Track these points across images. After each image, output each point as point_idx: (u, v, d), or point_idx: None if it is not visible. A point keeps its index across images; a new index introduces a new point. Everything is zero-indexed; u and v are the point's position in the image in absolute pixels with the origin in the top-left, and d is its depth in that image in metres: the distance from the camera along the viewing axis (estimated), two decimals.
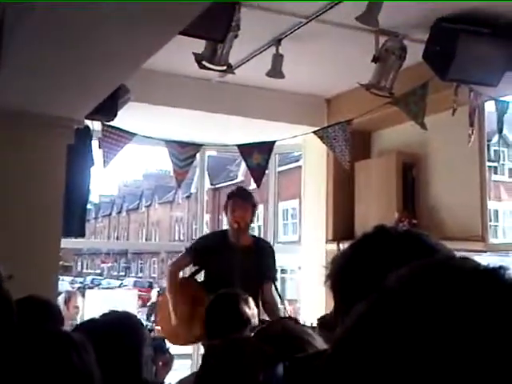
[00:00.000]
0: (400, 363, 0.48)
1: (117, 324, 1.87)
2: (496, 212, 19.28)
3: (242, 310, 2.23)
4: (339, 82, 4.55)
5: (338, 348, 0.54)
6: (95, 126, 4.18)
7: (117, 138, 4.13)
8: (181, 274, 4.33)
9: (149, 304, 16.24)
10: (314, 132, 4.31)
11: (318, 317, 2.30)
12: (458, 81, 3.42)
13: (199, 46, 3.30)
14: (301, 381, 0.86)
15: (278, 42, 3.64)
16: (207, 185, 7.07)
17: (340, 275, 0.98)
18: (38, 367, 1.05)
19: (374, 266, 0.92)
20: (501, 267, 0.52)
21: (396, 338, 0.49)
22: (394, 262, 0.87)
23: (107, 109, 3.64)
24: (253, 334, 1.55)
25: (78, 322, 4.94)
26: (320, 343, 1.34)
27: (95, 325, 1.88)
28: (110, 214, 43.87)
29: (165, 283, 4.45)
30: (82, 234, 4.35)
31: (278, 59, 3.66)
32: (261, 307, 3.79)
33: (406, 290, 0.52)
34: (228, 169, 26.82)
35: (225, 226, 4.34)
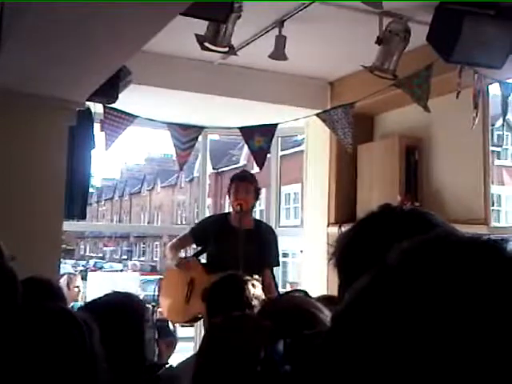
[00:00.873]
0: (398, 337, 0.48)
1: (119, 304, 1.87)
2: (499, 196, 19.27)
3: (247, 292, 2.23)
4: (343, 65, 4.52)
5: (337, 323, 0.54)
6: (97, 108, 4.17)
7: (118, 120, 4.12)
8: (182, 255, 4.36)
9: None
10: (317, 114, 4.29)
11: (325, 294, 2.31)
12: (462, 63, 3.39)
13: (201, 27, 3.27)
14: (302, 358, 0.86)
15: (281, 23, 3.61)
16: (209, 169, 7.05)
17: (344, 252, 0.98)
18: (40, 344, 1.05)
19: (378, 243, 0.92)
20: (502, 240, 0.51)
21: (394, 312, 0.49)
22: (398, 240, 0.87)
23: (109, 91, 3.62)
24: (260, 307, 1.55)
25: (80, 303, 4.99)
26: (329, 317, 1.34)
27: (98, 305, 1.89)
28: (113, 198, 43.93)
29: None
30: (83, 217, 4.36)
31: (280, 41, 3.63)
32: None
33: (405, 263, 0.52)
34: (230, 153, 26.80)
35: (227, 210, 4.35)
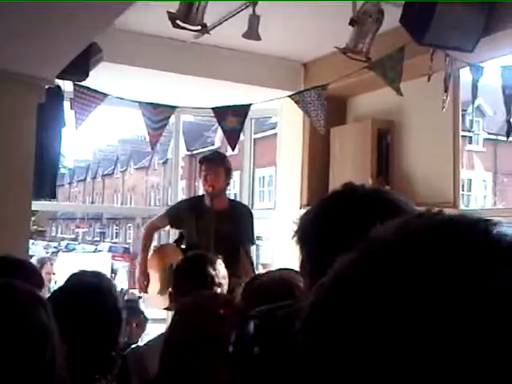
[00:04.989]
0: (392, 315, 0.46)
1: (91, 284, 1.86)
2: (469, 181, 19.56)
3: (207, 270, 2.24)
4: (316, 46, 4.51)
5: (326, 297, 0.52)
6: (67, 86, 4.09)
7: (89, 98, 4.05)
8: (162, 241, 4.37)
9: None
10: (290, 96, 4.28)
11: None
12: (434, 46, 3.40)
13: (174, 5, 3.22)
14: (272, 339, 0.86)
15: (254, 3, 3.57)
16: (183, 151, 7.01)
17: (306, 230, 0.98)
18: (4, 323, 1.03)
19: (338, 221, 0.93)
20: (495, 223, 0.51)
21: (391, 292, 0.47)
22: (358, 218, 0.88)
23: (79, 68, 3.56)
24: (245, 282, 1.56)
25: (52, 288, 4.93)
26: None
27: (69, 287, 1.87)
28: (85, 180, 43.44)
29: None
30: (53, 197, 4.30)
31: (254, 21, 3.59)
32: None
33: (404, 241, 0.50)
34: (205, 135, 26.65)
35: (201, 192, 4.35)
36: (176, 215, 4.19)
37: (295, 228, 1.00)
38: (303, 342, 0.52)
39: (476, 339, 0.44)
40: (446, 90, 3.65)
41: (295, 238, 0.99)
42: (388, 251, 0.50)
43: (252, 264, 4.09)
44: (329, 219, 0.96)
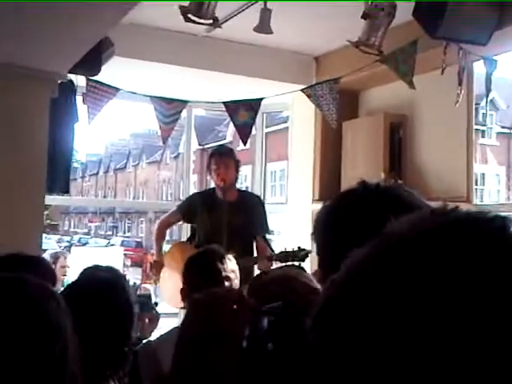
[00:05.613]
0: (410, 311, 0.45)
1: (104, 280, 1.86)
2: (483, 175, 19.42)
3: (216, 266, 2.24)
4: (328, 40, 4.48)
5: (339, 294, 0.51)
6: (79, 81, 4.11)
7: (101, 93, 4.06)
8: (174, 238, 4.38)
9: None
10: (302, 90, 4.26)
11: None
12: (447, 39, 3.37)
13: None
14: (286, 335, 0.86)
15: None
16: (195, 145, 7.02)
17: (321, 224, 0.99)
18: (14, 318, 1.04)
19: (353, 217, 0.93)
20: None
21: (404, 290, 0.46)
22: (372, 214, 0.87)
23: (91, 63, 3.57)
24: (256, 275, 1.56)
25: (67, 282, 4.94)
26: (318, 287, 1.35)
27: (83, 281, 1.88)
28: (97, 174, 43.65)
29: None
30: (66, 191, 4.33)
31: (266, 14, 3.58)
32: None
33: (419, 238, 0.49)
34: (216, 129, 26.68)
35: (212, 184, 4.35)
36: (188, 209, 4.20)
37: (313, 226, 1.01)
38: (314, 339, 0.51)
39: (493, 337, 0.43)
40: (459, 84, 3.62)
41: (311, 233, 1.00)
42: (402, 247, 0.50)
43: (272, 251, 4.07)
44: (343, 215, 0.97)
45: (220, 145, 4.63)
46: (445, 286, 0.45)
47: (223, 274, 2.23)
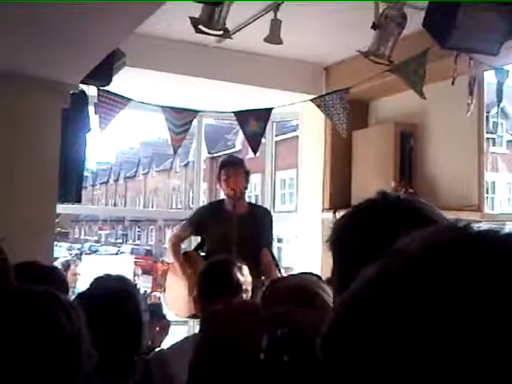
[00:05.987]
0: (418, 331, 0.45)
1: (115, 289, 1.87)
2: (493, 184, 19.31)
3: (234, 276, 2.23)
4: (338, 50, 4.49)
5: (346, 313, 0.51)
6: (91, 91, 4.14)
7: (112, 103, 4.09)
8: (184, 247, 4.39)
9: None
10: (312, 100, 4.27)
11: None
12: (457, 49, 3.37)
13: (196, 9, 3.24)
14: (301, 347, 0.86)
15: (276, 6, 3.58)
16: (205, 153, 7.03)
17: (340, 237, 0.98)
18: (23, 327, 1.04)
19: (373, 230, 0.92)
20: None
21: (415, 304, 0.46)
22: (392, 228, 0.87)
23: (102, 73, 3.60)
24: (267, 285, 1.55)
25: (78, 290, 4.96)
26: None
27: (95, 292, 1.89)
28: (108, 182, 43.80)
29: (163, 251, 4.53)
30: (78, 200, 4.35)
31: (276, 24, 3.60)
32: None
33: (430, 254, 0.49)
34: (226, 138, 26.71)
35: (222, 194, 4.36)
36: (198, 222, 4.21)
37: (328, 234, 1.00)
38: (323, 357, 0.51)
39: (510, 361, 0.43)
40: (470, 94, 3.62)
41: (328, 244, 0.99)
42: (412, 264, 0.49)
43: (277, 265, 4.09)
44: (359, 227, 0.96)
45: (230, 155, 4.62)
46: (454, 304, 0.45)
47: (243, 286, 2.23)
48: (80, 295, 1.98)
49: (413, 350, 0.45)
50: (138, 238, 38.22)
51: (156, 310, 2.75)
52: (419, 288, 0.47)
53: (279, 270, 4.07)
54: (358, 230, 0.95)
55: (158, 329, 2.68)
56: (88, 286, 1.96)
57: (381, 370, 0.46)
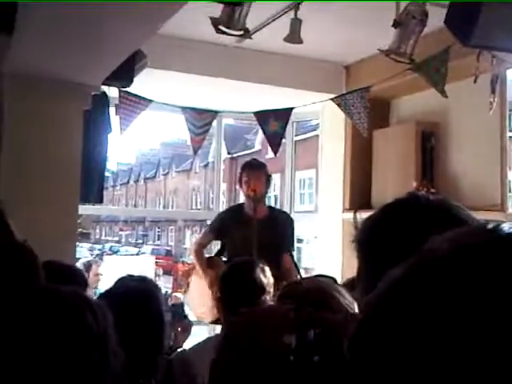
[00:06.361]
0: (449, 329, 0.44)
1: (138, 290, 1.88)
2: None
3: (256, 277, 2.22)
4: (358, 49, 4.47)
5: (373, 313, 0.50)
6: (112, 92, 4.17)
7: (133, 104, 4.12)
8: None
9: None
10: (332, 99, 4.26)
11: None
12: (480, 47, 3.33)
13: (216, 10, 3.24)
14: (331, 348, 0.85)
15: (296, 6, 3.57)
16: (224, 154, 7.06)
17: (368, 237, 0.97)
18: (51, 326, 1.05)
19: (403, 231, 0.91)
20: None
21: (448, 306, 0.45)
22: (423, 230, 0.86)
23: (124, 75, 3.62)
24: (282, 289, 1.55)
25: (100, 290, 4.98)
26: (350, 302, 1.34)
27: (117, 291, 1.90)
28: (128, 183, 44.15)
29: (183, 251, 4.56)
30: (100, 201, 4.38)
31: (296, 24, 3.59)
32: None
33: (459, 254, 0.48)
34: (245, 138, 26.76)
35: (241, 196, 4.36)
36: (219, 228, 4.22)
37: (355, 234, 0.99)
38: (351, 360, 0.51)
39: None
40: (493, 92, 3.57)
41: (354, 244, 0.98)
42: (440, 264, 0.48)
43: (298, 270, 4.09)
44: (388, 227, 0.95)
45: (253, 158, 4.61)
46: (486, 305, 0.44)
47: (263, 285, 2.22)
48: (103, 295, 2.00)
49: (440, 352, 0.44)
50: (158, 239, 38.46)
51: (178, 311, 2.76)
52: (449, 288, 0.46)
53: (300, 275, 4.05)
54: (390, 231, 0.94)
55: (179, 329, 2.69)
56: (111, 286, 1.98)
57: (406, 371, 0.45)
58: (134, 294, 1.83)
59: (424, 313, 0.46)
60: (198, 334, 4.34)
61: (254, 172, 4.04)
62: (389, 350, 0.47)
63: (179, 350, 2.43)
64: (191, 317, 3.89)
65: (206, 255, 4.44)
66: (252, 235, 3.73)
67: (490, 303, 0.44)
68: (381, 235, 0.95)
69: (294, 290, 1.53)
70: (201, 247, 4.34)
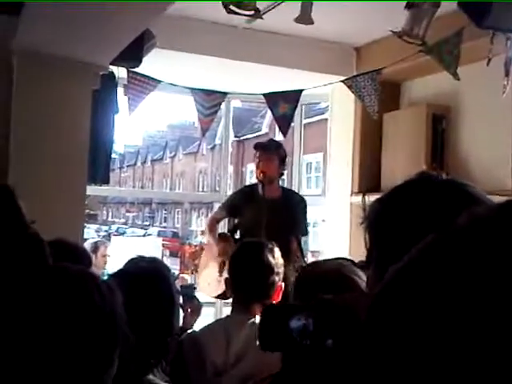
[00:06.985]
0: (470, 309, 0.42)
1: (150, 270, 1.88)
2: None
3: (264, 258, 2.21)
4: (369, 30, 4.41)
5: (394, 281, 0.48)
6: (121, 73, 4.14)
7: (142, 84, 4.09)
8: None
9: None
10: (343, 81, 4.22)
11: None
12: (494, 29, 3.28)
13: None
14: (345, 332, 0.85)
15: None
16: (232, 136, 7.05)
17: (377, 217, 0.95)
18: (60, 305, 1.05)
19: (415, 211, 0.89)
20: None
21: (463, 280, 0.43)
22: (436, 209, 0.84)
23: (132, 55, 3.59)
24: (304, 268, 1.54)
25: (107, 271, 4.99)
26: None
27: (128, 272, 1.89)
28: (135, 164, 44.22)
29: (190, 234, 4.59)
30: (106, 182, 4.39)
31: (307, 5, 3.54)
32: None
33: (480, 227, 0.46)
34: (253, 120, 26.69)
35: (248, 179, 4.37)
36: (232, 206, 4.25)
37: (366, 214, 0.97)
38: (367, 332, 0.49)
39: None
40: (506, 75, 3.52)
41: (364, 225, 0.96)
42: (457, 237, 0.46)
43: (302, 253, 4.08)
44: (400, 208, 0.93)
45: (269, 139, 4.60)
46: (505, 278, 0.41)
47: (272, 266, 2.21)
48: (113, 275, 1.99)
49: (461, 321, 0.42)
50: (165, 221, 38.59)
51: (188, 292, 2.76)
52: (467, 260, 0.44)
53: (303, 260, 4.04)
54: (402, 209, 0.92)
55: (189, 310, 2.69)
56: (121, 266, 1.97)
57: (424, 341, 0.43)
58: (145, 275, 1.82)
59: (441, 288, 0.44)
60: (205, 315, 4.37)
61: (265, 154, 4.03)
62: (407, 319, 0.45)
63: (189, 331, 2.43)
64: (200, 297, 3.91)
65: (222, 232, 4.48)
66: (262, 215, 3.73)
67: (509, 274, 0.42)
68: (393, 214, 0.93)
69: (312, 272, 1.53)
70: (214, 221, 4.40)
